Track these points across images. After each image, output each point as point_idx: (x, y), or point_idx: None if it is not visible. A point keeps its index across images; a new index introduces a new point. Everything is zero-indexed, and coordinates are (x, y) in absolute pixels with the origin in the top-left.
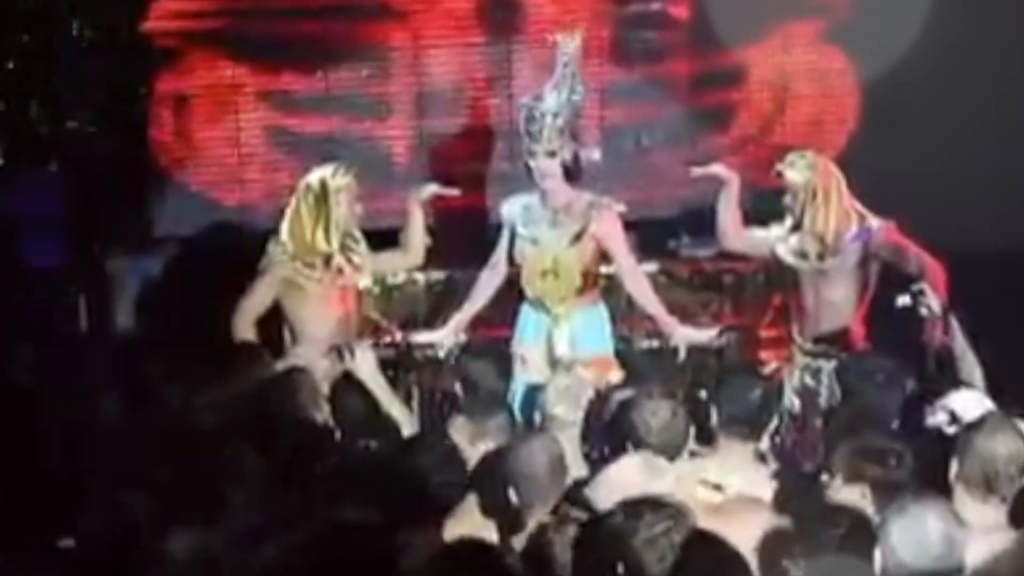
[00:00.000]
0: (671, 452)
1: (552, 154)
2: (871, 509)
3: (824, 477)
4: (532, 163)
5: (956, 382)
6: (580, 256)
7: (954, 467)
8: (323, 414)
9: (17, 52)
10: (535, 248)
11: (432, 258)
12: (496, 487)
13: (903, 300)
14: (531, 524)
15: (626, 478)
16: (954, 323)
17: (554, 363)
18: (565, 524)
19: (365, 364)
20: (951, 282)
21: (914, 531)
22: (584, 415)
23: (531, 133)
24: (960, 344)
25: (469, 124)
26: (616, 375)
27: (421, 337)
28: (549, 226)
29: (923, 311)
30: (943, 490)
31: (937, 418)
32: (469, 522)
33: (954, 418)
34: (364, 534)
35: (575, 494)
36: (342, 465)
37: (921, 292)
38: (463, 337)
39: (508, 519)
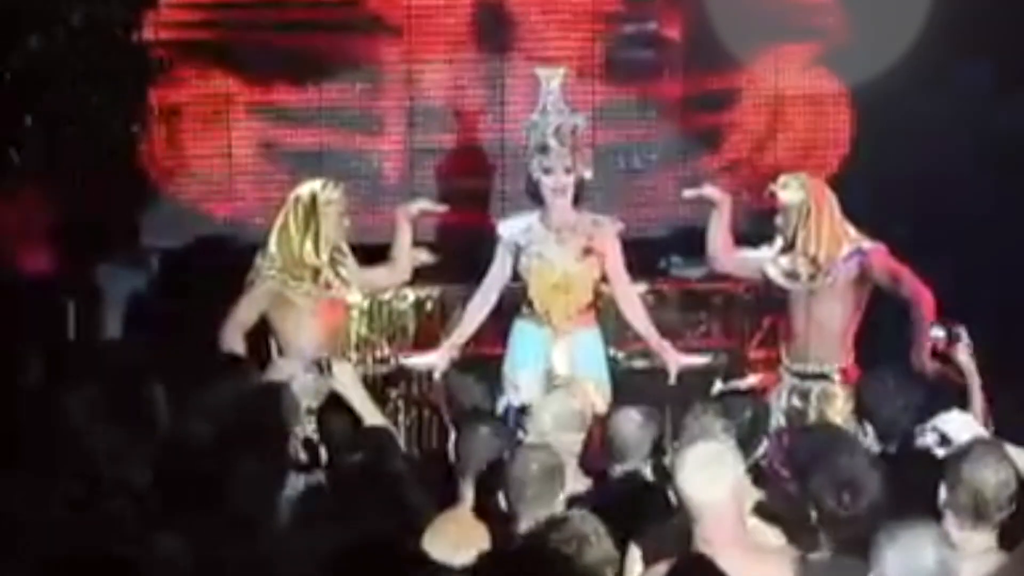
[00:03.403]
0: None
1: (568, 171)
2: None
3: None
4: (547, 179)
5: (963, 407)
6: (590, 270)
7: (943, 494)
8: (304, 428)
9: (8, 61)
10: (543, 262)
11: (422, 274)
12: (488, 493)
13: (936, 332)
14: (522, 528)
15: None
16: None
17: (552, 383)
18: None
19: (344, 379)
20: (940, 307)
21: (908, 556)
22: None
23: (545, 148)
24: (974, 373)
25: (461, 141)
26: (599, 399)
27: (411, 361)
28: (555, 244)
29: (961, 355)
30: (932, 512)
31: (927, 439)
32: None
33: (944, 439)
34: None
35: None
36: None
37: (957, 335)
38: (454, 355)
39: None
